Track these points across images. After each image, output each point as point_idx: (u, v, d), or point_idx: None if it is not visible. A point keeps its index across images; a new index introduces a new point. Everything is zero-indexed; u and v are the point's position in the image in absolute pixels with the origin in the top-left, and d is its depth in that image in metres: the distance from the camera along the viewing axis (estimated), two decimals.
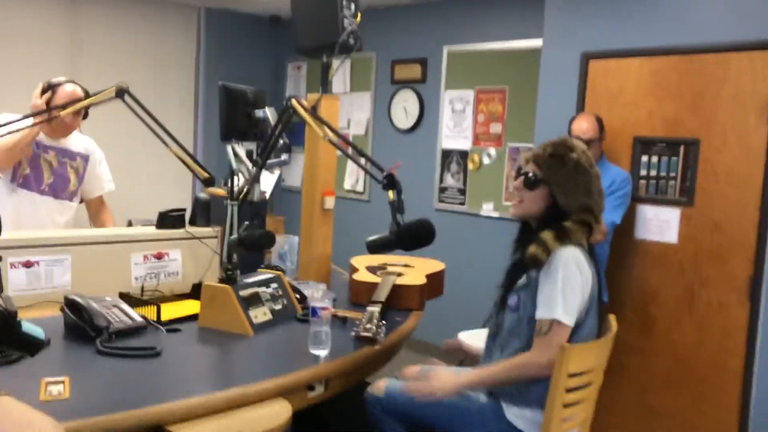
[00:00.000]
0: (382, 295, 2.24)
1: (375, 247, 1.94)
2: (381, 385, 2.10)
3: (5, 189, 2.84)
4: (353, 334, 1.96)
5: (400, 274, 2.57)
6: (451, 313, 4.27)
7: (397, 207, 1.89)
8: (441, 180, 4.96)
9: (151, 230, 2.63)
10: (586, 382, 1.83)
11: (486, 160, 4.68)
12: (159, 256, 2.58)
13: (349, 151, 2.43)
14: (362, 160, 2.10)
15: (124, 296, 2.16)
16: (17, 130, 2.65)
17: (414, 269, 2.69)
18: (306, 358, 1.83)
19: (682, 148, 3.17)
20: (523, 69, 4.42)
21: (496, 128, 4.62)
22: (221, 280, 2.07)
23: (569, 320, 1.78)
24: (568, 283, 1.78)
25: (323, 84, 2.68)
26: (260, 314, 2.09)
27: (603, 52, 3.41)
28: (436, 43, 4.98)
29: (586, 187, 1.89)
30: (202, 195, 2.86)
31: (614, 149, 3.33)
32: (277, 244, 3.32)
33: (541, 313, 1.80)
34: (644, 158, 3.27)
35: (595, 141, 3.12)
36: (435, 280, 2.66)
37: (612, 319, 2.00)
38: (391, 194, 1.90)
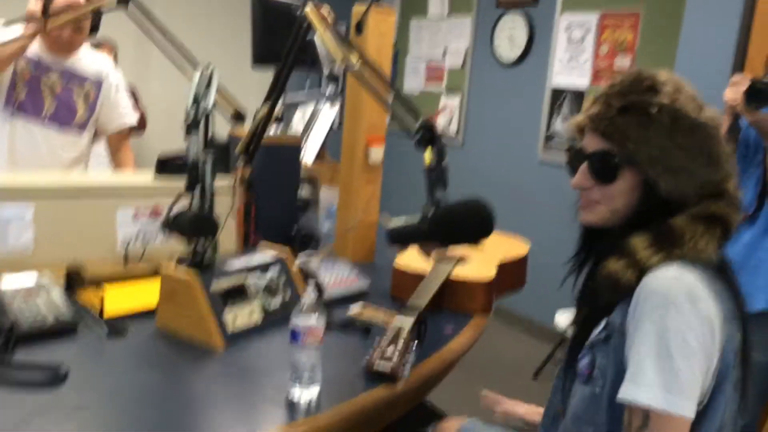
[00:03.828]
0: (424, 298, 1.55)
1: (398, 237, 1.25)
2: (451, 428, 1.45)
3: None
4: (364, 362, 1.30)
5: (462, 259, 1.86)
6: (550, 286, 3.50)
7: (435, 177, 1.18)
8: (548, 125, 4.10)
9: (147, 179, 2.05)
10: None
11: None
12: (155, 213, 2.02)
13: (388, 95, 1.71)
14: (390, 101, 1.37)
15: (71, 271, 1.60)
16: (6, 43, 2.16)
17: (485, 252, 1.96)
18: (286, 396, 1.20)
19: None
20: None
21: (623, 62, 3.68)
22: (189, 265, 1.46)
23: (682, 408, 0.95)
24: (672, 337, 0.95)
25: None
26: (243, 316, 1.46)
27: None
28: None
29: (702, 148, 1.07)
30: (219, 137, 2.25)
31: None
32: (324, 200, 2.69)
33: (626, 393, 0.98)
34: None
35: None
36: (512, 271, 1.92)
37: None
38: (427, 156, 1.19)
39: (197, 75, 1.40)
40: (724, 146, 1.09)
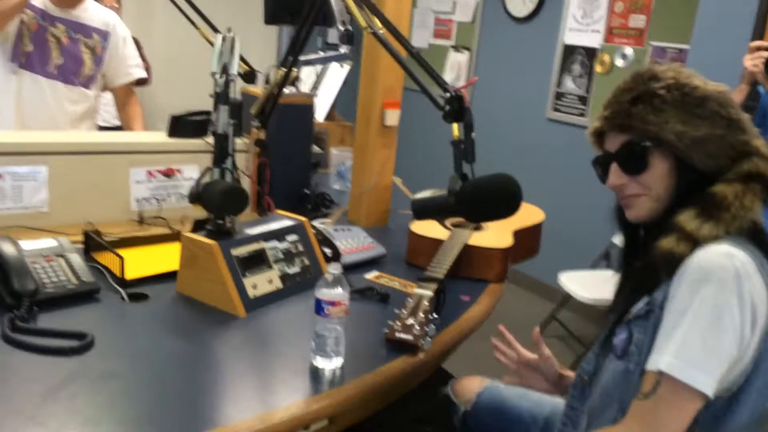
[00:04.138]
0: (443, 266, 1.54)
1: (423, 211, 1.24)
2: (471, 390, 1.47)
3: (4, 69, 2.31)
4: (385, 332, 1.31)
5: (478, 226, 1.85)
6: (555, 248, 3.52)
7: (464, 151, 1.16)
8: (559, 83, 4.04)
9: (161, 138, 2.03)
10: None
11: (619, 62, 3.72)
12: (168, 173, 2.00)
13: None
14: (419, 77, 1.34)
15: (89, 234, 1.60)
16: None
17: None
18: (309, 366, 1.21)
19: None
20: None
21: (638, 21, 3.61)
22: (209, 232, 1.45)
23: (698, 381, 0.95)
24: (710, 310, 0.95)
25: None
26: (263, 282, 1.47)
27: None
28: None
29: (720, 113, 1.07)
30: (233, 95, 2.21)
31: None
32: (335, 160, 2.67)
33: (648, 363, 1.00)
34: None
35: None
36: (527, 238, 1.92)
37: None
38: (456, 130, 1.17)
39: (219, 41, 1.36)
40: (740, 110, 1.10)
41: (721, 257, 0.98)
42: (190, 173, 2.03)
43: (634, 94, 1.10)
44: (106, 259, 1.52)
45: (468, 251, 1.70)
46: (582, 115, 3.92)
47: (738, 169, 1.07)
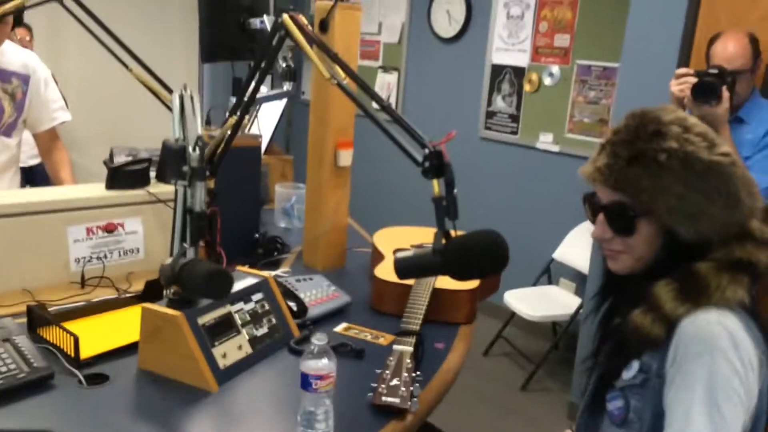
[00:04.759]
0: (417, 316, 1.51)
1: (408, 271, 1.19)
2: None
3: None
4: (370, 396, 1.26)
5: None
6: None
7: (446, 208, 1.12)
8: (489, 102, 4.10)
9: (99, 191, 1.90)
10: None
11: (547, 81, 3.80)
12: (109, 228, 1.87)
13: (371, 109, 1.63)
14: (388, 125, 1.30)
15: (34, 310, 1.46)
16: None
17: None
18: None
19: None
20: None
21: (562, 40, 3.70)
22: (171, 301, 1.35)
23: None
24: (720, 384, 0.95)
25: None
26: (233, 349, 1.38)
27: None
28: None
29: (720, 189, 1.03)
30: (173, 140, 2.10)
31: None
32: (280, 196, 2.59)
33: None
34: None
35: (746, 73, 2.20)
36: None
37: None
38: (436, 186, 1.13)
39: (176, 101, 1.27)
40: (743, 181, 1.06)
41: (713, 326, 0.98)
42: (133, 226, 1.91)
43: (633, 152, 1.06)
44: (54, 334, 1.40)
45: (436, 294, 1.66)
46: (514, 133, 3.99)
47: (728, 253, 1.04)
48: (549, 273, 3.69)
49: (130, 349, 1.40)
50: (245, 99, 1.55)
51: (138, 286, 1.74)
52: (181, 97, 1.28)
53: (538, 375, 3.40)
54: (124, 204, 1.89)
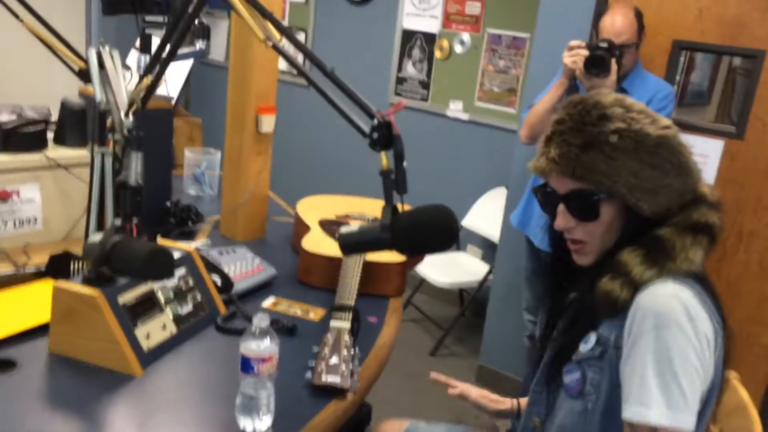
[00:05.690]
0: (351, 291, 1.46)
1: (355, 248, 1.14)
2: None
3: None
4: (309, 377, 1.21)
5: None
6: None
7: (395, 182, 1.08)
8: (399, 68, 4.05)
9: None
10: None
11: (458, 48, 3.80)
12: (3, 196, 1.69)
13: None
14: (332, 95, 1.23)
15: None
16: None
17: None
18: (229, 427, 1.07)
19: (738, 62, 2.42)
20: None
21: (473, 8, 3.70)
22: (86, 278, 1.23)
23: (687, 422, 0.96)
24: (676, 357, 0.96)
25: None
26: (157, 330, 1.28)
27: None
28: None
29: (671, 160, 1.06)
30: (73, 98, 1.91)
31: (643, 56, 2.54)
32: (190, 161, 2.45)
33: (634, 413, 0.98)
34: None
35: (632, 46, 2.29)
36: None
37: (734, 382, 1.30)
38: (384, 159, 1.08)
39: (93, 58, 1.13)
40: (688, 150, 1.10)
41: (669, 299, 0.99)
42: (30, 194, 1.74)
43: (584, 139, 1.06)
44: None
45: (367, 268, 1.62)
46: (424, 99, 3.98)
47: (687, 217, 1.07)
48: (457, 240, 3.74)
49: (38, 331, 1.27)
50: (163, 57, 1.42)
51: (38, 260, 1.59)
52: (99, 54, 1.14)
53: (447, 340, 3.46)
54: (19, 169, 1.71)
